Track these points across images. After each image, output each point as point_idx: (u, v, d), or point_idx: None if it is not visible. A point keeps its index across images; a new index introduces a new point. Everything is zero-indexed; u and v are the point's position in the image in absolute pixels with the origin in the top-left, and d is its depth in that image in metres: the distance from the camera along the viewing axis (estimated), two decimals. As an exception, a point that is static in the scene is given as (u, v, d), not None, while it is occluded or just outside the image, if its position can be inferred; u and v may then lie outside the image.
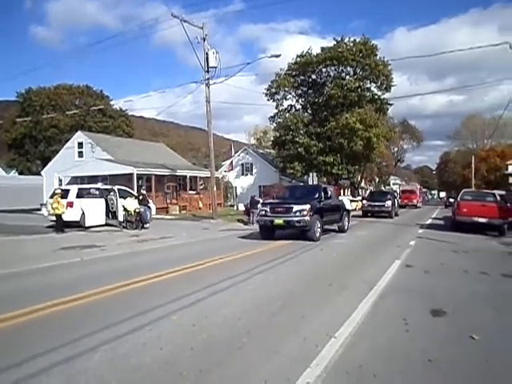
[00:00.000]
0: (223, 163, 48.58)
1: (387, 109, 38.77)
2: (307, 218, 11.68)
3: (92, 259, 9.40)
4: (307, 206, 11.85)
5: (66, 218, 15.39)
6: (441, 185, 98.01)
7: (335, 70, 36.29)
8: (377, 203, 24.42)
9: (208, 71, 21.01)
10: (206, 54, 20.75)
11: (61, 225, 15.07)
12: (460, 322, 4.55)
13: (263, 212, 12.70)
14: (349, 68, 35.96)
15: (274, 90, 36.10)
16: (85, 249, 10.93)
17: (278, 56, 22.54)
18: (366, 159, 37.06)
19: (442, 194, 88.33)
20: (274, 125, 38.97)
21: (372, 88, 36.98)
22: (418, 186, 49.92)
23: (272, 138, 43.41)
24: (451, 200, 38.94)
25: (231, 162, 34.72)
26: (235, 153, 33.21)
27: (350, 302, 5.24)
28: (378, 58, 34.69)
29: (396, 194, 34.42)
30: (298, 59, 35.81)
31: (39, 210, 22.83)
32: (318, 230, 12.25)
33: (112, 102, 50.90)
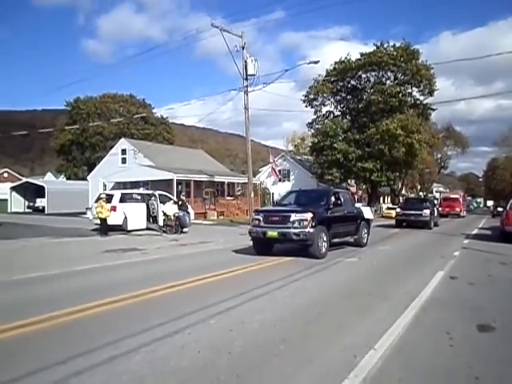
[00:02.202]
0: (261, 169, 48.86)
1: (430, 114, 37.62)
2: (308, 229, 9.48)
3: (133, 262, 9.71)
4: (308, 215, 9.66)
5: (109, 221, 15.99)
6: (488, 193, 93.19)
7: (375, 75, 35.71)
8: (412, 212, 21.48)
9: (247, 79, 21.28)
10: (245, 61, 21.05)
11: (105, 228, 15.67)
12: (509, 338, 4.30)
13: (256, 221, 10.44)
14: (389, 73, 35.25)
15: (312, 97, 35.98)
16: (126, 252, 11.31)
17: (316, 62, 22.49)
18: (408, 166, 36.02)
19: (490, 203, 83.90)
20: (312, 131, 38.81)
21: (414, 93, 36.06)
22: (462, 194, 47.62)
23: (310, 145, 43.20)
24: (499, 209, 36.64)
25: (273, 169, 34.81)
26: (274, 159, 33.23)
27: (389, 314, 5.08)
28: (419, 62, 33.78)
29: (436, 202, 32.60)
30: (337, 65, 35.53)
31: (85, 213, 23.91)
32: (324, 244, 9.97)
33: (154, 110, 52.68)
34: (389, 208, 35.00)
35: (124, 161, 32.40)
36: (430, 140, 36.03)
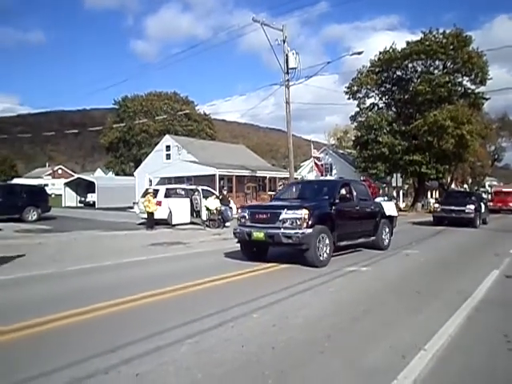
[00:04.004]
0: (302, 164, 48.47)
1: (482, 104, 35.47)
2: (303, 230, 7.60)
3: (178, 255, 9.96)
4: (303, 212, 7.70)
5: (155, 215, 16.49)
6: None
7: (422, 64, 34.13)
8: (454, 207, 18.48)
9: (288, 72, 21.08)
10: (286, 55, 20.85)
11: (151, 222, 16.17)
12: None
13: (242, 219, 8.69)
14: (438, 62, 33.58)
15: (355, 89, 35.04)
16: (171, 245, 11.61)
17: (360, 53, 21.87)
18: (458, 158, 34.23)
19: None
20: (355, 124, 37.85)
21: (464, 82, 34.10)
22: None
23: (353, 138, 42.19)
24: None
25: (315, 163, 34.40)
26: (316, 153, 32.81)
27: (440, 313, 4.86)
28: (471, 49, 31.93)
29: (485, 196, 29.95)
30: (382, 56, 34.34)
31: (132, 208, 24.83)
32: (325, 248, 7.99)
33: (197, 107, 53.60)
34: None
35: (168, 157, 33.26)
36: (482, 131, 33.96)
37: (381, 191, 37.12)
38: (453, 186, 48.99)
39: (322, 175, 38.32)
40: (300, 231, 7.59)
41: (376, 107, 36.74)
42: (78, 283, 6.70)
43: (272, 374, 3.19)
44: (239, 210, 9.17)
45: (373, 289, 6.26)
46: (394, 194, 32.58)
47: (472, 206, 18.33)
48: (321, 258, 7.85)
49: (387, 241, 10.62)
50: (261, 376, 3.16)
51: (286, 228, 7.74)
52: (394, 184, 31.72)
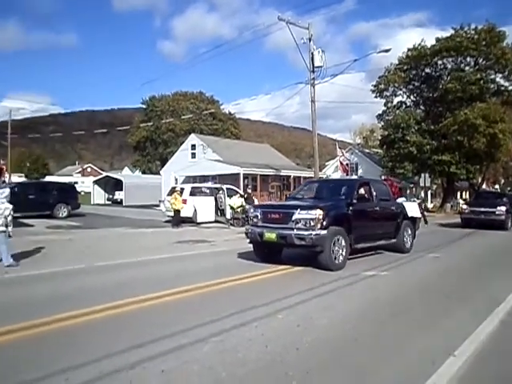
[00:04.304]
0: (327, 163, 48.01)
1: (516, 101, 34.12)
2: (317, 231, 7.28)
3: (203, 253, 10.04)
4: (317, 213, 7.38)
5: (181, 213, 16.69)
6: None
7: (452, 61, 33.14)
8: (483, 209, 17.58)
9: (313, 71, 20.90)
10: (312, 53, 20.68)
11: (177, 220, 16.38)
12: None
13: (254, 219, 8.39)
14: (469, 58, 32.52)
15: (382, 87, 34.39)
16: (196, 243, 11.72)
17: (387, 51, 21.43)
18: (490, 158, 33.06)
19: None
20: (382, 123, 37.17)
21: (497, 79, 32.94)
22: None
23: (379, 137, 41.44)
24: None
25: (341, 163, 34.02)
26: (341, 152, 32.40)
27: (470, 318, 4.70)
28: (505, 44, 30.79)
29: None
30: (410, 53, 33.57)
31: (158, 205, 25.23)
32: (341, 251, 7.62)
33: (222, 106, 53.96)
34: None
35: (194, 156, 33.58)
36: (516, 130, 32.69)
37: (408, 191, 36.35)
38: (484, 186, 47.39)
39: (347, 175, 37.85)
40: (314, 232, 7.26)
41: (404, 105, 35.98)
42: (106, 279, 6.86)
43: (296, 374, 3.16)
44: (251, 210, 9.00)
45: (397, 293, 6.13)
46: (422, 194, 31.78)
47: (503, 208, 17.40)
48: (336, 261, 7.50)
49: (409, 243, 10.15)
50: (285, 376, 3.13)
51: (299, 229, 7.42)
52: (421, 184, 30.92)
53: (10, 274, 6.94)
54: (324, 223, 7.36)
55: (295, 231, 7.41)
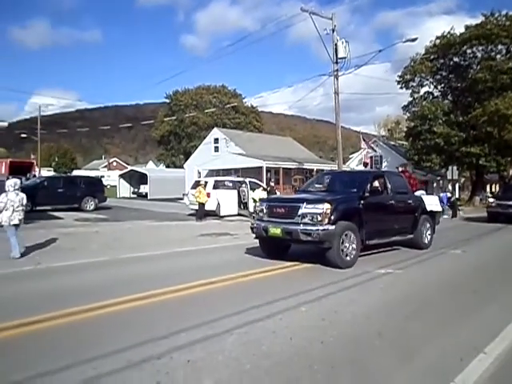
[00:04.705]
0: (351, 156, 47.37)
1: (551, 90, 32.66)
2: (324, 226, 6.90)
3: (226, 246, 10.12)
4: (324, 206, 7.02)
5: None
6: None
7: (482, 50, 31.93)
8: (511, 202, 16.43)
9: (337, 62, 20.57)
10: (335, 44, 20.34)
11: (202, 213, 16.54)
12: None
13: (260, 214, 8.06)
14: (500, 46, 31.25)
15: (408, 77, 33.54)
16: (220, 236, 11.82)
17: (414, 40, 20.82)
18: (522, 150, 31.89)
19: None
20: (408, 114, 36.32)
21: (531, 67, 31.57)
22: None
23: (405, 129, 40.54)
24: None
25: (365, 156, 33.45)
26: (366, 145, 31.83)
27: (499, 315, 4.57)
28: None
29: None
30: (438, 41, 32.56)
31: (182, 199, 25.54)
32: (351, 247, 7.24)
33: (244, 100, 53.92)
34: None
35: (217, 149, 33.76)
36: (550, 120, 31.31)
37: (434, 184, 35.52)
38: (515, 179, 45.80)
39: (371, 168, 37.23)
40: (321, 228, 6.87)
41: (431, 96, 35.03)
42: (133, 270, 7.01)
43: (321, 368, 3.15)
44: (257, 203, 8.73)
45: (417, 290, 6.00)
46: (450, 187, 30.94)
47: None
48: (345, 258, 7.12)
49: (428, 239, 9.60)
50: (309, 370, 3.13)
51: (305, 224, 7.04)
52: (449, 177, 30.10)
53: (41, 265, 7.19)
54: (332, 218, 6.99)
55: (301, 226, 7.05)
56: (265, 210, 7.87)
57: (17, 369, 3.13)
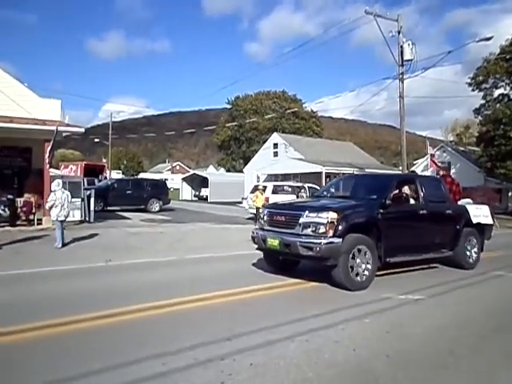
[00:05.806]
0: (415, 162, 45.27)
1: None
2: (328, 239, 5.79)
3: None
4: (328, 215, 5.92)
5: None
6: None
7: None
8: None
9: (402, 65, 19.83)
10: (401, 46, 19.63)
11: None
12: None
13: (261, 221, 7.09)
14: None
15: (481, 79, 31.49)
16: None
17: (489, 39, 19.47)
18: None
19: None
20: (480, 118, 34.03)
21: None
22: None
23: (476, 134, 38.00)
24: None
25: (433, 161, 31.83)
26: (433, 150, 30.24)
27: None
28: None
29: None
30: (516, 39, 30.24)
31: (241, 203, 25.95)
32: (363, 266, 6.08)
33: (304, 105, 53.75)
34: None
35: (276, 154, 33.93)
36: None
37: (510, 194, 32.91)
38: None
39: (437, 174, 35.21)
40: (324, 241, 5.77)
41: (506, 98, 32.54)
42: (196, 271, 7.25)
43: (387, 383, 3.05)
44: (260, 210, 7.73)
45: (448, 330, 5.50)
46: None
47: None
48: (356, 278, 5.95)
49: (474, 257, 8.09)
50: (374, 383, 3.04)
51: (306, 235, 5.99)
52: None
53: (112, 262, 7.67)
54: (339, 229, 5.85)
55: (302, 238, 5.99)
56: (265, 218, 6.92)
57: (100, 357, 3.36)
